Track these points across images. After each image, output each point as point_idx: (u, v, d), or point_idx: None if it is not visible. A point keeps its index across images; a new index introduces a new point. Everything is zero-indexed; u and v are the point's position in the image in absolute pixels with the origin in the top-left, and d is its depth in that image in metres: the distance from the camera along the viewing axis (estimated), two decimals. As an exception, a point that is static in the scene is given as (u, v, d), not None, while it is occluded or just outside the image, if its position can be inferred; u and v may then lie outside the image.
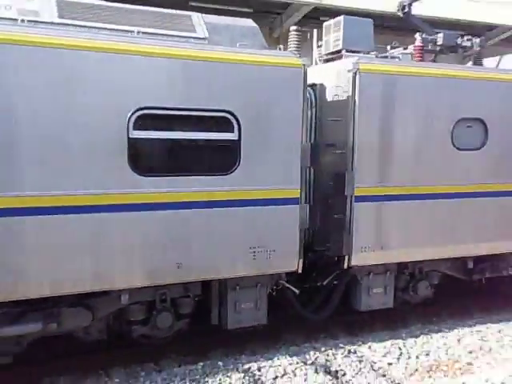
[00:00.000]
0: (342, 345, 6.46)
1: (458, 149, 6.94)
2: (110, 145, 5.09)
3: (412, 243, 6.85)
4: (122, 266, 5.33)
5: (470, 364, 6.08)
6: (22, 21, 4.99)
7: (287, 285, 6.45)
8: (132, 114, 5.16)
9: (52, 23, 5.16)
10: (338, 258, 6.68)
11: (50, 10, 5.27)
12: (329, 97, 6.77)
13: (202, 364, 5.87)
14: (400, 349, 6.40)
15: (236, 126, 5.69)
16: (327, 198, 6.73)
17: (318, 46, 7.49)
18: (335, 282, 7.00)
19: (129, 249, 5.32)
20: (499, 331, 7.08)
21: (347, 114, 6.40)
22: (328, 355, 6.14)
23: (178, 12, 6.02)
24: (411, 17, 7.78)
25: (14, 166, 4.73)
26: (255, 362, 5.90)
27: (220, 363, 5.89)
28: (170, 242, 5.48)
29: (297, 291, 6.55)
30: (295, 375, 5.61)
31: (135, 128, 5.20)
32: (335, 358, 6.06)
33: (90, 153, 5.01)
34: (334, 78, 6.70)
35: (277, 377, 5.58)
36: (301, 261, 6.18)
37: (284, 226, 6.05)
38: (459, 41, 7.46)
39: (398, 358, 6.17)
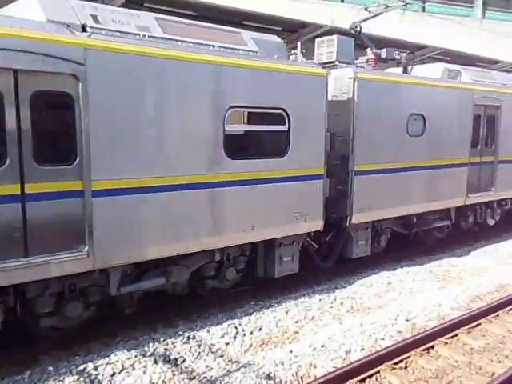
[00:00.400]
0: (181, 332, 6.55)
1: (409, 135, 9.58)
2: (209, 136, 6.70)
3: (383, 205, 9.38)
4: (218, 230, 6.89)
5: (296, 333, 6.71)
6: (144, 36, 6.20)
7: (311, 242, 8.45)
8: (226, 111, 6.77)
9: (162, 38, 6.43)
10: (339, 219, 8.85)
11: (154, 27, 6.50)
12: (329, 96, 8.40)
13: (29, 372, 5.40)
14: (236, 328, 6.74)
15: (287, 120, 7.51)
16: (334, 173, 8.62)
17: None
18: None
19: (222, 216, 6.91)
20: (320, 300, 7.93)
21: (347, 110, 8.59)
22: (167, 344, 6.17)
23: (231, 29, 7.56)
24: (361, 34, 10.30)
25: (156, 157, 6.16)
26: (91, 361, 5.64)
27: (50, 368, 5.49)
28: (249, 209, 7.20)
29: (316, 246, 8.62)
30: (134, 369, 5.52)
31: (226, 122, 6.81)
32: (174, 346, 6.12)
33: (189, 141, 6.51)
34: (332, 82, 8.63)
35: (114, 373, 5.43)
36: (323, 222, 8.23)
37: (314, 196, 8.07)
38: (395, 55, 10.23)
39: (235, 337, 6.50)
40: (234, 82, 6.86)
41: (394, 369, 5.71)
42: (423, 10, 19.20)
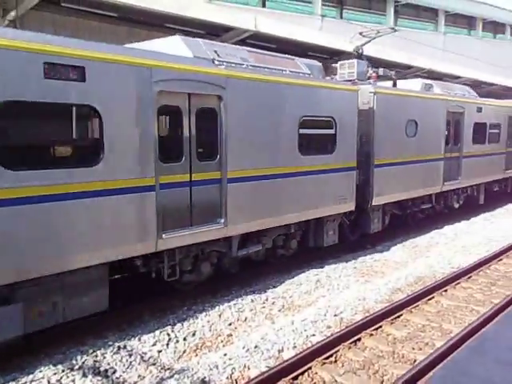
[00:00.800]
0: (111, 342, 6.35)
1: (407, 136, 12.26)
2: (290, 138, 8.96)
3: (392, 192, 12.00)
4: (294, 209, 9.19)
5: (230, 335, 6.74)
6: (247, 65, 8.31)
7: (345, 219, 11.02)
8: (300, 118, 9.07)
9: (256, 66, 8.52)
10: (363, 202, 11.16)
11: (250, 58, 8.59)
12: None
13: None
14: (168, 334, 6.65)
15: (334, 126, 9.90)
16: (360, 167, 10.90)
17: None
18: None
19: (296, 198, 9.17)
20: (252, 301, 8.02)
21: (369, 117, 11.10)
22: (97, 356, 5.96)
23: (288, 56, 9.70)
24: (362, 56, 12.74)
25: (263, 154, 8.44)
26: (13, 380, 5.31)
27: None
28: (315, 193, 9.60)
29: (348, 222, 11.17)
30: (61, 384, 5.28)
31: (300, 127, 9.09)
32: (104, 358, 5.93)
33: (274, 143, 8.68)
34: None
35: (40, 391, 5.16)
36: (354, 204, 10.73)
37: (350, 183, 10.55)
38: (388, 72, 12.65)
39: (168, 344, 6.42)
40: (304, 97, 9.21)
41: (324, 363, 5.90)
42: (341, 17, 20.05)
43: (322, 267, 10.00)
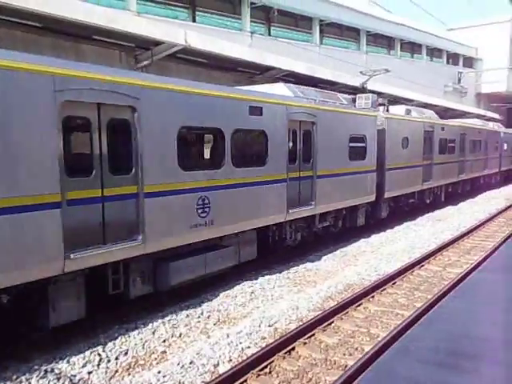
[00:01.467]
0: (36, 366, 6.02)
1: (402, 148, 16.68)
2: (345, 149, 13.19)
3: (395, 188, 16.33)
4: (343, 198, 13.29)
5: (164, 352, 6.62)
6: (315, 100, 12.19)
7: (369, 207, 15.24)
8: (350, 136, 13.30)
9: (322, 101, 12.57)
10: (378, 195, 15.25)
11: (317, 94, 12.81)
12: None
13: None
14: (99, 355, 6.42)
15: (364, 140, 14.03)
16: (377, 170, 14.97)
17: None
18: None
19: (344, 192, 13.28)
20: (187, 316, 7.93)
21: (383, 135, 15.38)
22: (21, 382, 5.63)
23: (331, 92, 14.27)
24: (366, 89, 17.99)
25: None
26: None
27: None
28: (354, 187, 13.73)
29: (370, 208, 15.28)
30: (-19, 416, 4.93)
31: (349, 142, 13.34)
32: (30, 383, 5.61)
33: (338, 153, 12.93)
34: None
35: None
36: (374, 196, 14.94)
37: (372, 181, 14.69)
38: (381, 100, 16.46)
39: (99, 364, 6.19)
40: (351, 122, 13.46)
41: (259, 375, 5.96)
42: (269, 34, 20.59)
43: (257, 279, 10.10)
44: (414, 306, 8.51)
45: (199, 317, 7.93)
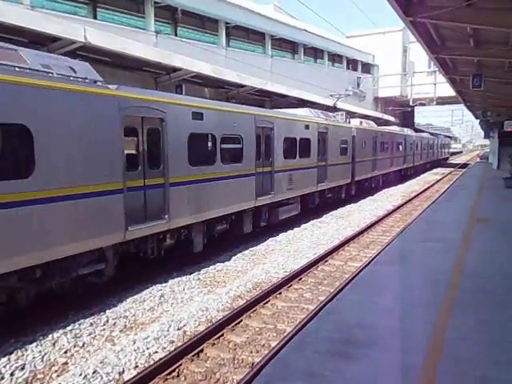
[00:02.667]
0: None
1: (362, 148, 24.65)
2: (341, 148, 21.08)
3: (361, 174, 24.57)
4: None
5: (65, 364, 6.32)
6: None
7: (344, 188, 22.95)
8: (341, 140, 21.19)
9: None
10: (351, 179, 22.97)
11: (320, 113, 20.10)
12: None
13: None
14: (-8, 372, 5.98)
15: (349, 143, 22.63)
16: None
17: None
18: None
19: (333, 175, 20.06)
20: (91, 324, 7.63)
21: (355, 140, 23.27)
22: None
23: (332, 114, 22.14)
24: (337, 107, 27.17)
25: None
26: None
27: None
28: (344, 172, 21.81)
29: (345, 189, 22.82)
30: None
31: (340, 144, 21.17)
32: None
33: (340, 151, 21.06)
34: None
35: None
36: (350, 179, 22.80)
37: (350, 169, 22.60)
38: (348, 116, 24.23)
39: (-9, 383, 5.77)
40: (343, 131, 21.42)
41: (167, 379, 5.93)
42: (175, 35, 20.41)
43: (166, 281, 9.98)
44: (318, 299, 8.93)
45: (104, 324, 7.68)
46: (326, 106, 26.70)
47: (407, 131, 37.98)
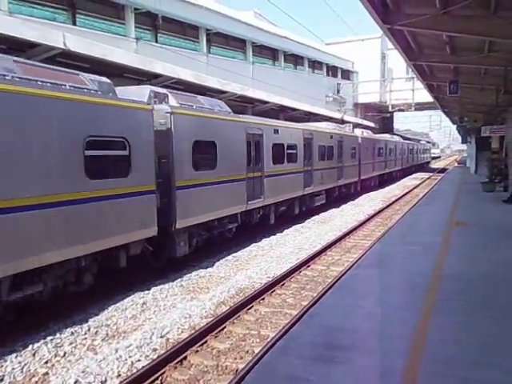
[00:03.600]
0: None
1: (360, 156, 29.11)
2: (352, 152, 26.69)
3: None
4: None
5: (46, 374, 6.22)
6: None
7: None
8: (351, 146, 27.00)
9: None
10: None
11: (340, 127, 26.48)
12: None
13: None
14: (-30, 385, 5.86)
15: (356, 148, 27.66)
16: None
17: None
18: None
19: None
20: (72, 333, 7.52)
21: (360, 146, 28.83)
22: None
23: (341, 125, 27.89)
24: (344, 120, 33.40)
25: None
26: None
27: None
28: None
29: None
30: None
31: (350, 149, 26.72)
32: None
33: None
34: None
35: None
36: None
37: (355, 170, 28.42)
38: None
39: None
40: (351, 140, 26.63)
41: (149, 388, 5.87)
42: (156, 41, 20.38)
43: (149, 289, 9.90)
44: (301, 304, 8.96)
45: (86, 333, 7.58)
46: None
47: (396, 138, 43.40)
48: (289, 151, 17.45)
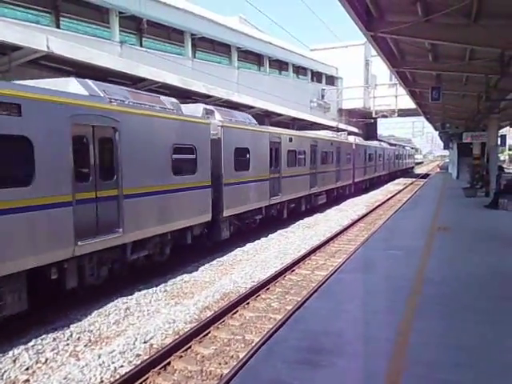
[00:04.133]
0: None
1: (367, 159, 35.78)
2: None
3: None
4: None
5: (27, 381, 6.13)
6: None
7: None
8: (352, 151, 31.47)
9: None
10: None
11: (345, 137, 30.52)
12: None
13: None
14: None
15: (350, 153, 30.40)
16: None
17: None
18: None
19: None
20: (54, 339, 7.42)
21: (355, 151, 32.26)
22: None
23: (339, 133, 30.51)
24: (339, 129, 35.78)
25: None
26: None
27: None
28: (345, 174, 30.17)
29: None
30: None
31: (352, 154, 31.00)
32: None
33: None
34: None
35: None
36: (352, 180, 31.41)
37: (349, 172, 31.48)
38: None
39: None
40: (348, 147, 29.85)
41: (133, 393, 5.82)
42: (141, 45, 20.31)
43: (132, 294, 9.81)
44: (286, 308, 8.97)
45: (68, 339, 7.48)
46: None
47: (384, 144, 47.06)
48: (299, 156, 20.31)
